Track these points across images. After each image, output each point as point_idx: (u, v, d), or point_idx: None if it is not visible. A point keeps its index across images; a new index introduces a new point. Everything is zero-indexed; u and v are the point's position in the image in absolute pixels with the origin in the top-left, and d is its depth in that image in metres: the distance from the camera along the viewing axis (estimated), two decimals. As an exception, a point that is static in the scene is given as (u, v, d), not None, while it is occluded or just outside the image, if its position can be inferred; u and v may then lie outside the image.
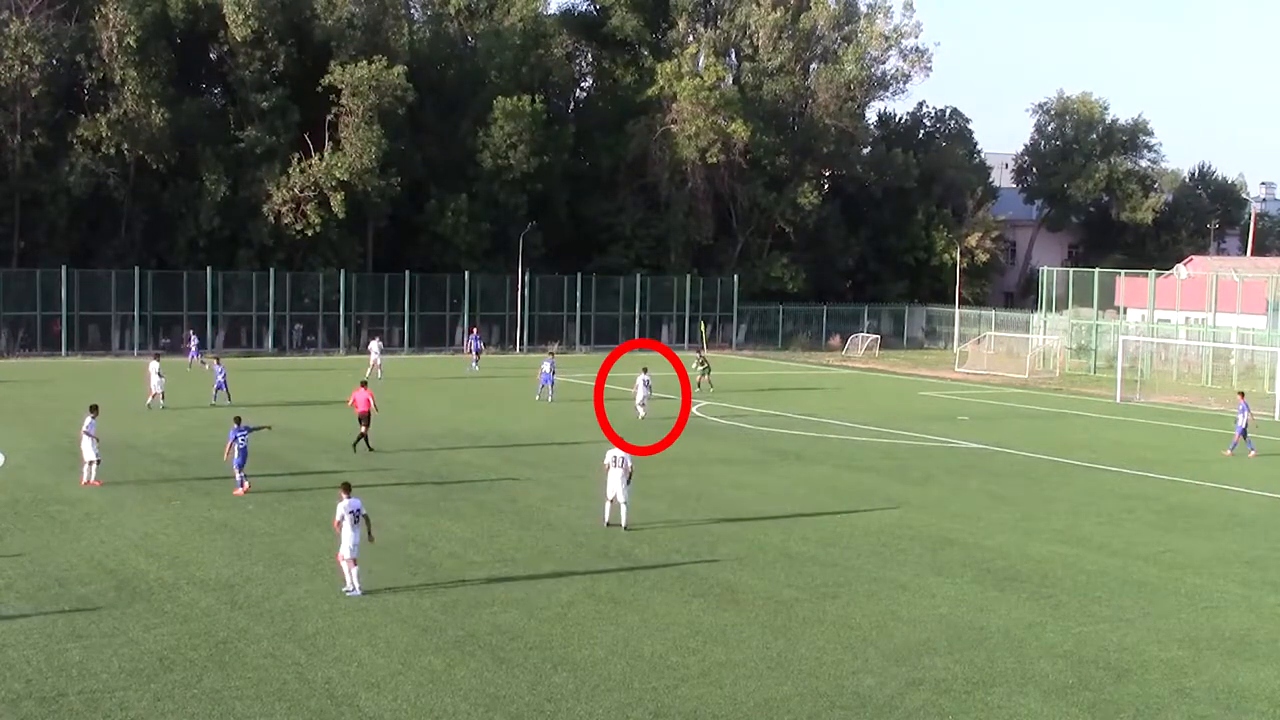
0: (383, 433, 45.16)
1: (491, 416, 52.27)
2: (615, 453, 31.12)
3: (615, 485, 30.81)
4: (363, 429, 41.61)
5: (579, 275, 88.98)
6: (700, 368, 63.13)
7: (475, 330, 76.99)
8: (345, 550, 24.37)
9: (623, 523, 30.84)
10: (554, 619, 23.42)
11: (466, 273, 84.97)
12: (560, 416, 52.66)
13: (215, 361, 55.96)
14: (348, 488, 24.88)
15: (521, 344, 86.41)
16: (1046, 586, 26.82)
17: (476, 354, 72.31)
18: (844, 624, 23.66)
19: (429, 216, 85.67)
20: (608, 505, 31.11)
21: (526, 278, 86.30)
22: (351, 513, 24.35)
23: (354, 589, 24.31)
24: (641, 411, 51.47)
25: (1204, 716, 19.57)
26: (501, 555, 28.23)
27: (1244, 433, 46.37)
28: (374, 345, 67.17)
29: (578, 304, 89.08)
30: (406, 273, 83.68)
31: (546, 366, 58.46)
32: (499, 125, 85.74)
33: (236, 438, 34.32)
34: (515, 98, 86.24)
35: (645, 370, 53.38)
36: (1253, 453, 46.05)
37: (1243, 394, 48.76)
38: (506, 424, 50.02)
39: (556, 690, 19.81)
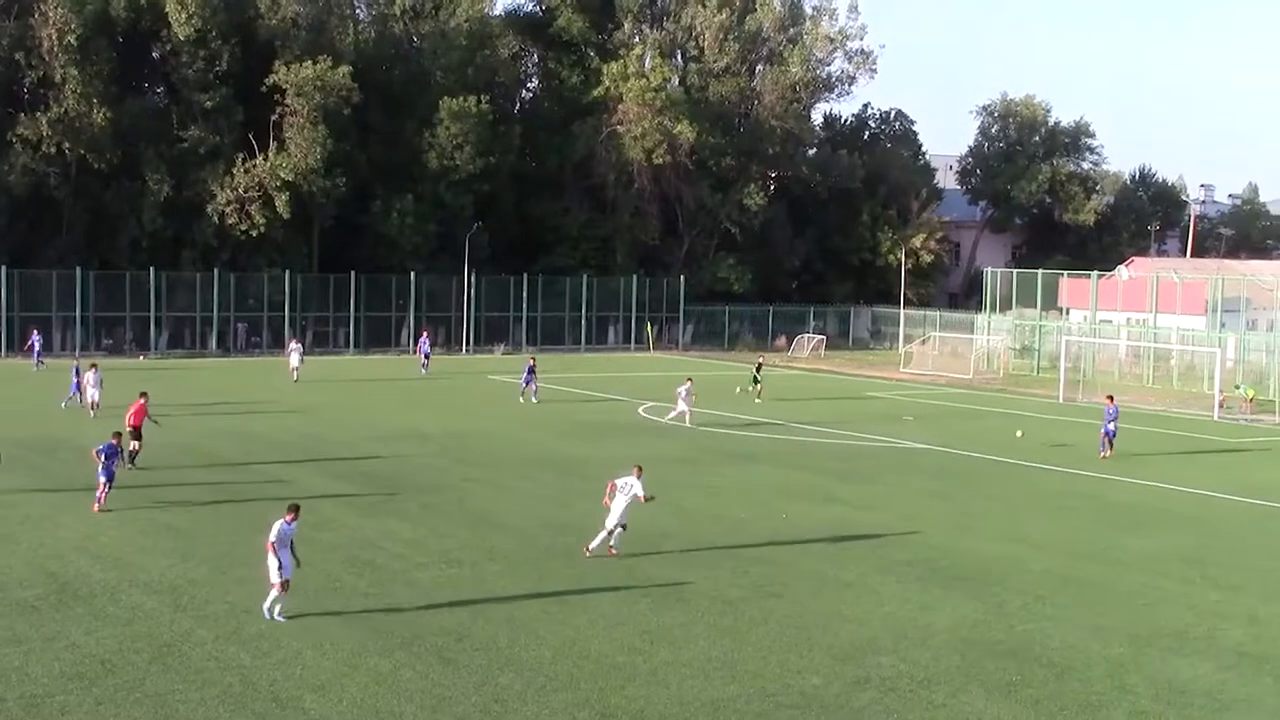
0: (329, 434, 45.07)
1: (439, 417, 52.13)
2: (628, 479, 28.34)
3: (617, 512, 28.04)
4: (134, 444, 37.44)
5: (525, 276, 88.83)
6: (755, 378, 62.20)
7: (425, 332, 76.67)
8: (287, 573, 22.90)
9: (613, 543, 28.25)
10: (501, 620, 23.38)
11: (412, 273, 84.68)
12: (510, 417, 52.58)
13: (91, 369, 49.78)
14: (295, 510, 23.36)
15: (468, 345, 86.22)
16: (990, 585, 27.01)
17: (425, 357, 71.88)
18: (790, 623, 23.74)
19: (375, 217, 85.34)
20: (604, 533, 28.16)
21: (473, 278, 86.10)
22: (290, 538, 22.95)
23: (280, 616, 22.85)
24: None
25: (1145, 712, 19.75)
26: (448, 556, 28.15)
27: (1112, 434, 45.88)
28: (293, 346, 66.42)
29: (524, 305, 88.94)
30: (352, 273, 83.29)
31: (526, 369, 58.52)
32: (445, 126, 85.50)
33: (105, 454, 31.98)
34: (461, 98, 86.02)
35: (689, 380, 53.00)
36: (1105, 454, 45.32)
37: (1111, 398, 48.41)
38: (454, 425, 49.92)
39: (503, 690, 19.78)
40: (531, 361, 60.53)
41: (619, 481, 28.37)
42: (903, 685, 20.56)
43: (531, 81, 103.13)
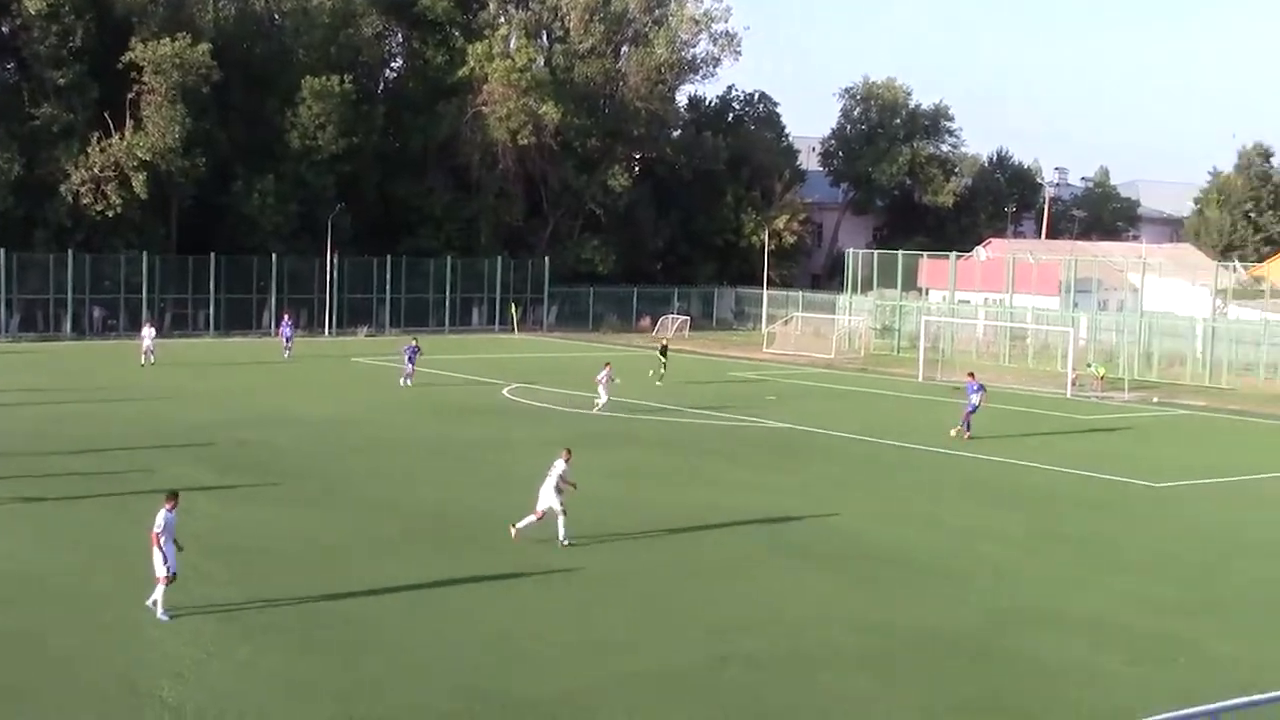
0: (193, 419, 44.41)
1: (304, 401, 51.54)
2: (556, 461, 28.21)
3: (542, 496, 27.76)
4: None
5: (389, 257, 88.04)
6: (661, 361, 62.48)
7: (286, 315, 75.58)
8: (173, 566, 21.96)
9: (561, 535, 27.59)
10: (365, 604, 23.24)
11: (274, 254, 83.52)
12: (377, 401, 52.17)
13: None
14: (175, 497, 22.41)
15: (331, 327, 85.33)
16: (856, 562, 27.40)
17: (287, 340, 70.52)
18: (658, 604, 23.90)
19: (235, 197, 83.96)
20: (532, 517, 27.85)
21: (335, 260, 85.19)
22: (173, 527, 22.11)
23: (165, 614, 21.97)
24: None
25: (1001, 686, 20.18)
26: (312, 541, 27.91)
27: (973, 410, 45.99)
28: (146, 330, 64.89)
29: (388, 286, 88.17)
30: (212, 254, 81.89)
31: (407, 352, 57.74)
32: (307, 105, 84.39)
33: None
34: (324, 77, 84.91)
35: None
36: (958, 430, 45.63)
37: (973, 374, 48.94)
38: (320, 409, 49.38)
39: (366, 675, 19.67)
40: (414, 343, 59.57)
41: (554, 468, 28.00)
42: (769, 663, 20.79)
43: (396, 61, 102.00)
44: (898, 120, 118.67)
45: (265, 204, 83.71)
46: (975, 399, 46.00)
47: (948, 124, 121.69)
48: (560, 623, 22.58)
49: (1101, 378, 63.20)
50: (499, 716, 18.38)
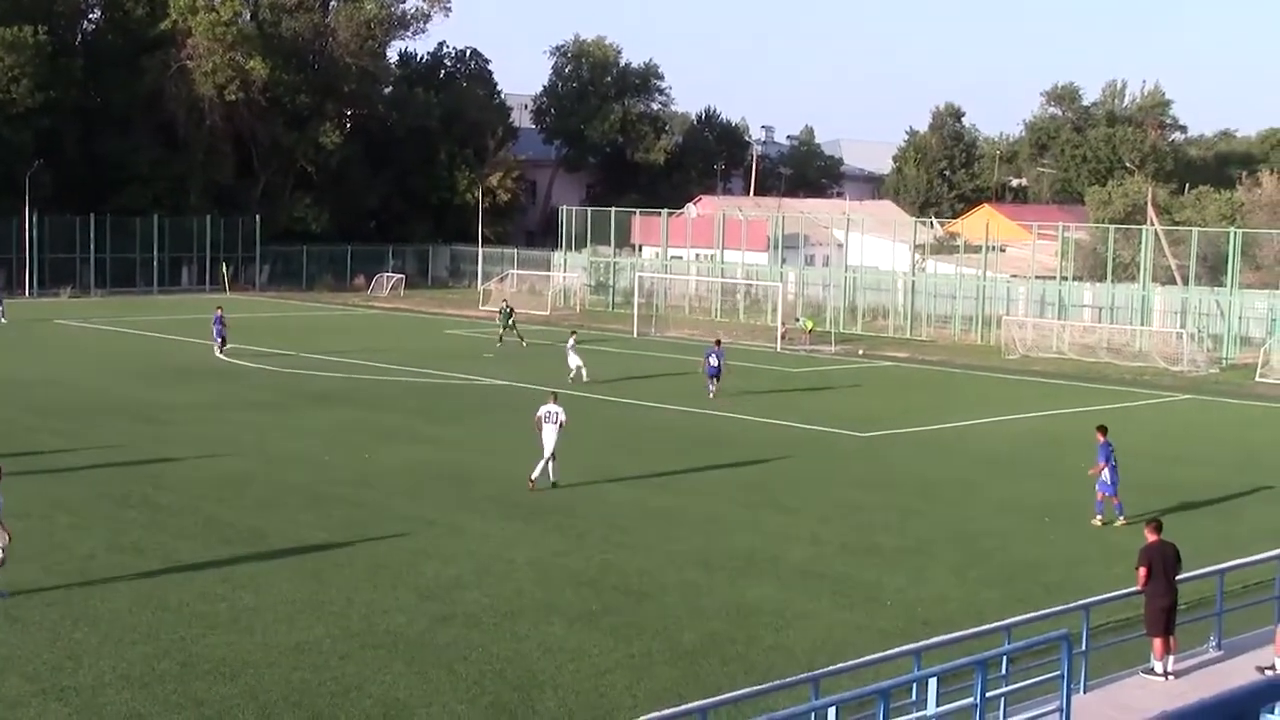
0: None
1: (3, 364, 49.60)
2: (549, 407, 30.75)
3: (550, 440, 30.22)
4: None
5: (93, 216, 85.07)
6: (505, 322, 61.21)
7: None
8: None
9: (552, 477, 30.28)
10: (73, 572, 22.72)
11: (-33, 213, 79.92)
12: (83, 364, 50.56)
13: None
14: None
15: (31, 288, 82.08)
16: (570, 518, 27.84)
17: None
18: (374, 564, 23.94)
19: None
20: (542, 463, 30.17)
21: (35, 219, 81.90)
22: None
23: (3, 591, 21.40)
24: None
25: (717, 632, 20.86)
26: (11, 510, 26.99)
27: (715, 374, 46.05)
28: None
29: (91, 246, 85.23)
30: (-104, 215, 77.99)
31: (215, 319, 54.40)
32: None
33: None
34: (16, 28, 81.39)
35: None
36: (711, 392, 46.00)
37: (719, 341, 49.66)
38: (19, 372, 47.62)
39: (78, 646, 19.28)
40: (219, 311, 55.50)
41: (542, 411, 30.68)
42: (487, 619, 21.06)
43: (94, 13, 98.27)
44: (608, 78, 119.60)
45: (-44, 161, 79.93)
46: (713, 361, 45.96)
47: (658, 82, 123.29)
48: (269, 584, 22.37)
49: (810, 331, 65.16)
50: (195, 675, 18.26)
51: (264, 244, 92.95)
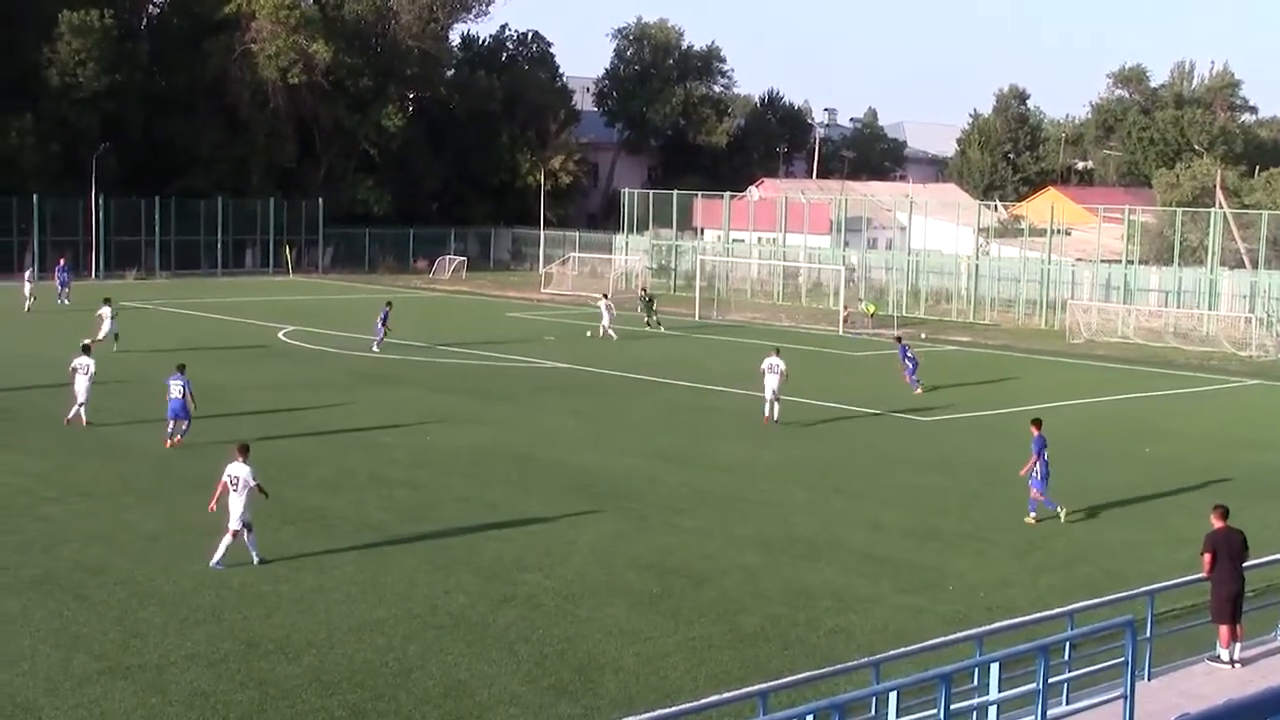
0: None
1: (66, 347, 49.89)
2: (771, 360, 36.97)
3: (771, 385, 36.62)
4: None
5: (158, 199, 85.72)
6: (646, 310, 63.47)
7: (63, 260, 71.53)
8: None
9: (775, 417, 36.62)
10: (139, 553, 22.92)
11: (35, 196, 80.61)
12: (155, 346, 50.90)
13: None
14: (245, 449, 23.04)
15: (97, 270, 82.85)
16: (630, 500, 27.83)
17: (63, 285, 67.01)
18: (436, 545, 24.00)
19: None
20: (767, 404, 36.77)
21: (101, 201, 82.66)
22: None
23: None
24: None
25: (777, 615, 20.80)
26: (79, 489, 27.33)
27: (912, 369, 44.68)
28: None
29: (156, 228, 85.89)
30: (-34, 196, 78.76)
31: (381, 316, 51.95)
32: (66, 41, 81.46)
33: None
34: (83, 12, 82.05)
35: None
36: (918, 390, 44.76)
37: (900, 338, 48.19)
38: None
39: (143, 625, 19.45)
40: (387, 307, 52.49)
41: (765, 364, 37.05)
42: (548, 601, 21.09)
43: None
44: (670, 61, 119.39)
45: (24, 143, 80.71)
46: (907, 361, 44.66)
47: (720, 65, 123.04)
48: (332, 566, 22.50)
49: (872, 315, 64.85)
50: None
51: (326, 226, 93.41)
